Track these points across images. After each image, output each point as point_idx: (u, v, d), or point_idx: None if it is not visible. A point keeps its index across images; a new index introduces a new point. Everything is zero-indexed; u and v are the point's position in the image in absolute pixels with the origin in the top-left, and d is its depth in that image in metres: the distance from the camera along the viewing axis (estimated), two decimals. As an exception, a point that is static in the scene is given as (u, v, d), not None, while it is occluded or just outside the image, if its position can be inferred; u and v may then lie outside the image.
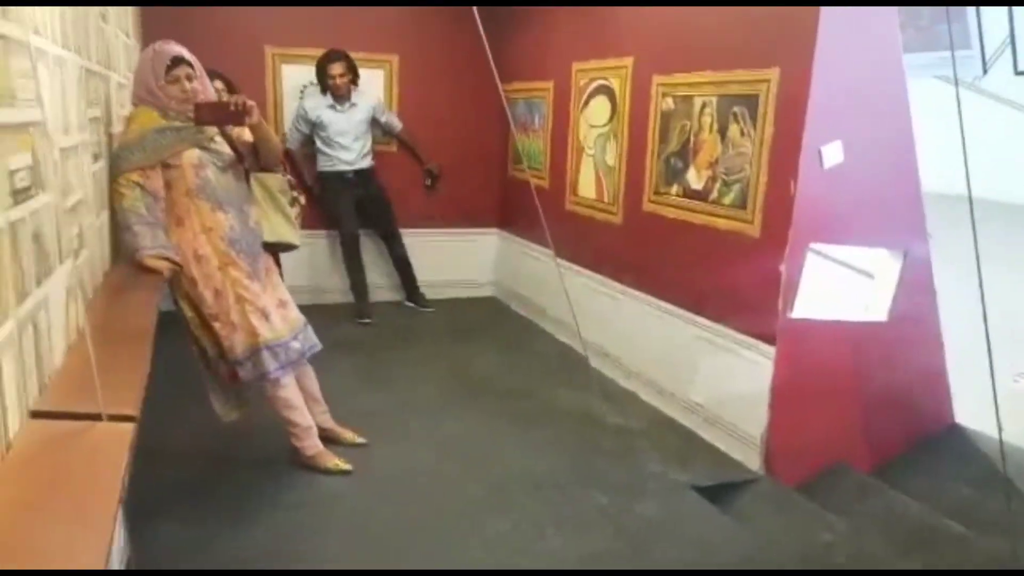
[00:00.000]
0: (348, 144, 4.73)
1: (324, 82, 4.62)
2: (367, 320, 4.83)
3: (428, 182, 5.25)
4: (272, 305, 2.68)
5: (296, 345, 2.73)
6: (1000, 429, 2.10)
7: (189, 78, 2.45)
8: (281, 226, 2.79)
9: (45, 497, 1.04)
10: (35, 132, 1.30)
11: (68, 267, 1.53)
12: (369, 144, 4.85)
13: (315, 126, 4.71)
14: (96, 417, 1.24)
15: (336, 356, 3.91)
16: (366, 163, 4.84)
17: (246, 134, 2.61)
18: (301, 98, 4.80)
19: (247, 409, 2.85)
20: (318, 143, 4.75)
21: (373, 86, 5.00)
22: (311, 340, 2.83)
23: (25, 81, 1.22)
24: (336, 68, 4.56)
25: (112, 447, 1.18)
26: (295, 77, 4.87)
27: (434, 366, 4.14)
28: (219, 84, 4.01)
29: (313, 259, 5.03)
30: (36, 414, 1.23)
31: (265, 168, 2.71)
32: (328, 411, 3.09)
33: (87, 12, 2.20)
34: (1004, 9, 6.05)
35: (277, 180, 2.75)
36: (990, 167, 6.29)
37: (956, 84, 2.42)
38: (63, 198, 1.59)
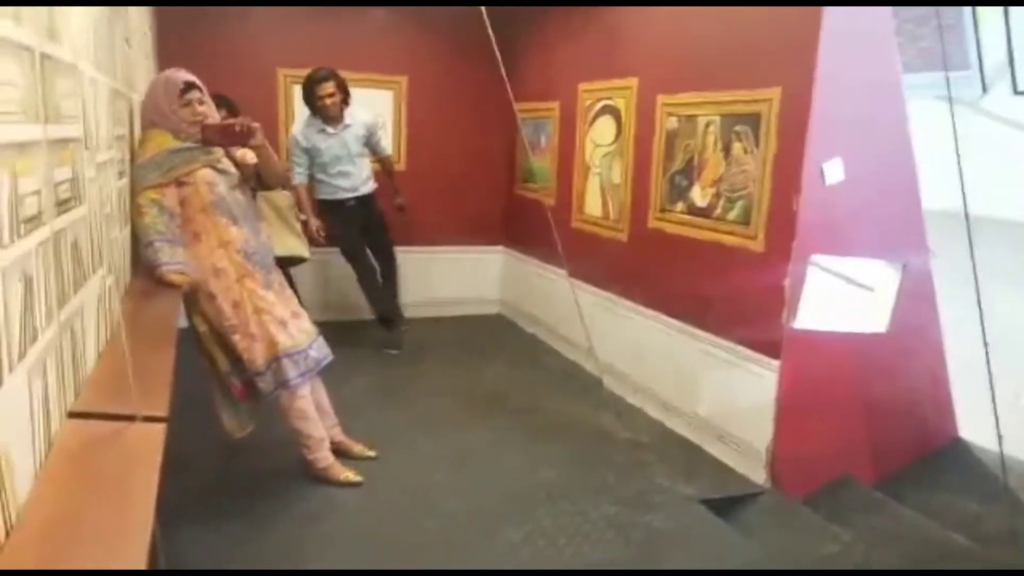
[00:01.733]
0: (347, 169, 4.44)
1: (313, 104, 4.27)
2: (395, 351, 4.61)
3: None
4: (288, 315, 2.76)
5: (313, 353, 2.81)
6: (1000, 442, 2.14)
7: (200, 102, 2.57)
8: (291, 240, 2.93)
9: (87, 494, 1.09)
10: (74, 148, 1.37)
11: (101, 275, 1.59)
12: (368, 167, 4.58)
13: (308, 153, 4.37)
14: (130, 418, 1.30)
15: (346, 371, 3.97)
16: (368, 188, 4.56)
17: (249, 156, 2.72)
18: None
19: (253, 428, 2.90)
20: (314, 171, 4.43)
21: (381, 106, 5.11)
22: (325, 350, 2.90)
23: (67, 100, 1.29)
24: (326, 88, 4.21)
25: (146, 446, 1.24)
26: (306, 98, 4.96)
27: (444, 381, 4.20)
28: (223, 110, 4.14)
29: (323, 276, 5.09)
30: (74, 414, 1.28)
31: (268, 188, 2.80)
32: (339, 424, 3.13)
33: (113, 35, 2.29)
34: (1003, 29, 6.14)
35: (285, 197, 2.88)
36: (992, 186, 6.34)
37: (951, 104, 2.49)
38: (98, 210, 1.66)
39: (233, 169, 2.69)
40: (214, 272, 2.61)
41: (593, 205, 4.38)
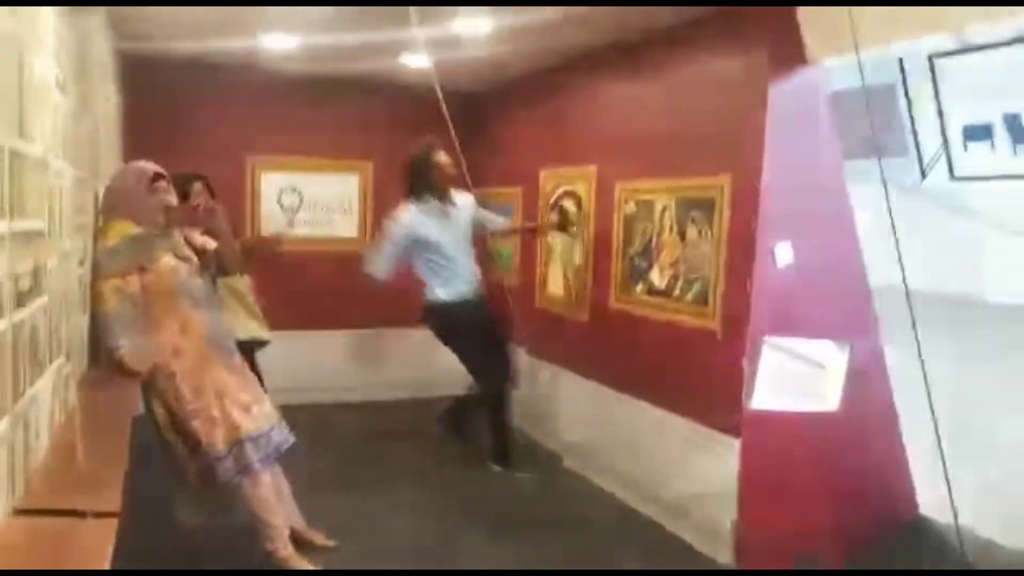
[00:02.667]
0: (465, 261, 3.85)
1: (426, 179, 3.69)
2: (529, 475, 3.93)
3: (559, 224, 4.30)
4: (250, 398, 2.74)
5: (275, 437, 2.78)
6: (955, 515, 2.18)
7: (166, 191, 2.64)
8: (251, 323, 2.98)
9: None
10: (37, 240, 1.39)
11: (58, 364, 1.57)
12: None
13: (419, 245, 3.77)
14: (81, 514, 1.27)
15: (309, 455, 3.89)
16: (480, 285, 3.96)
17: (209, 243, 2.77)
18: (387, 219, 3.97)
19: (209, 516, 2.82)
20: (425, 268, 3.83)
21: (348, 191, 5.20)
22: (286, 433, 2.87)
23: (34, 194, 1.32)
24: (442, 156, 3.68)
25: (96, 544, 1.20)
26: (273, 183, 5.03)
27: (409, 467, 4.13)
28: (199, 186, 4.16)
29: (288, 359, 5.01)
30: (21, 511, 1.25)
31: (226, 273, 2.85)
32: (298, 511, 3.06)
33: (81, 124, 2.33)
34: (936, 120, 6.54)
35: (244, 282, 2.93)
36: (938, 265, 6.62)
37: (885, 188, 2.64)
38: (57, 301, 1.66)
39: (193, 256, 2.72)
40: (176, 356, 2.60)
41: (556, 285, 4.46)
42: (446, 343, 3.95)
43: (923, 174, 7.06)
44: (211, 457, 2.64)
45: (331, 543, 3.06)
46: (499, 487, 3.86)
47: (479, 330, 3.88)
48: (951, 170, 6.79)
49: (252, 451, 2.67)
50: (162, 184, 2.62)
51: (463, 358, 3.94)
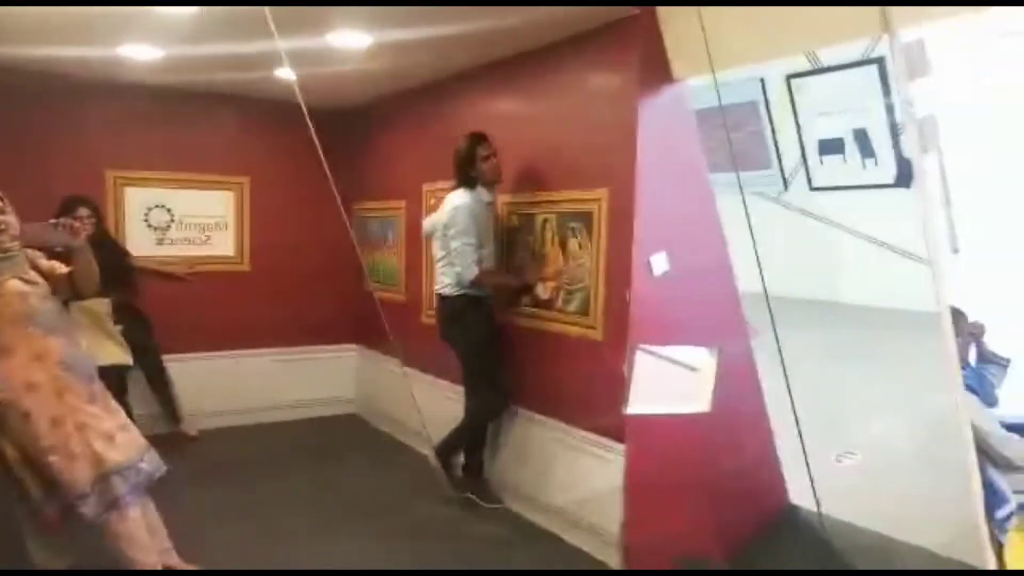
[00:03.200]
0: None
1: (475, 168, 3.60)
2: (498, 505, 3.75)
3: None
4: (115, 427, 2.58)
5: (145, 467, 2.61)
6: (819, 505, 2.33)
7: (2, 211, 2.44)
8: (111, 347, 2.83)
9: None
10: None
11: None
12: None
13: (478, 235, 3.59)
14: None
15: (193, 486, 3.70)
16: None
17: (58, 267, 2.59)
18: (456, 210, 3.60)
19: (71, 559, 2.62)
20: (457, 250, 3.58)
21: (222, 208, 5.00)
22: (157, 461, 2.70)
23: None
24: (488, 147, 3.60)
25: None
26: (139, 199, 4.76)
27: (295, 489, 4.00)
28: (85, 211, 4.00)
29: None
30: None
31: (81, 296, 2.68)
32: (172, 548, 2.88)
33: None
34: (794, 134, 7.05)
35: (102, 304, 2.80)
36: (800, 270, 7.11)
37: (743, 198, 2.80)
38: None
39: (40, 279, 2.53)
40: (28, 387, 2.41)
41: (442, 300, 4.43)
42: (462, 341, 3.72)
43: (785, 185, 7.62)
44: (73, 495, 2.44)
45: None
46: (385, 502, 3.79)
47: (496, 336, 3.73)
48: (809, 181, 7.39)
49: (120, 484, 2.50)
50: None
51: (481, 365, 3.69)
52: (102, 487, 2.48)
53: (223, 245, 5.06)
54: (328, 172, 2.51)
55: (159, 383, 4.63)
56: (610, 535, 3.13)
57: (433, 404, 4.09)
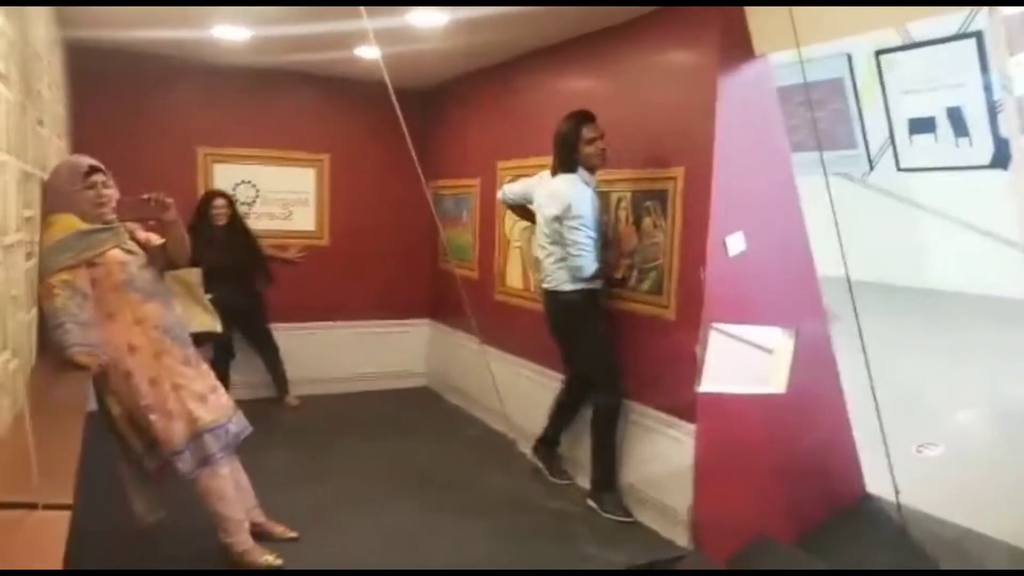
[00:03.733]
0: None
1: (578, 151, 3.36)
2: (569, 481, 3.75)
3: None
4: (207, 389, 2.74)
5: (233, 428, 2.79)
6: (897, 495, 2.28)
7: (105, 185, 2.60)
8: (203, 316, 2.97)
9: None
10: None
11: (3, 360, 1.55)
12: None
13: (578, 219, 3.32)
14: (32, 506, 1.25)
15: (269, 449, 3.89)
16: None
17: (154, 238, 2.75)
18: (575, 199, 3.33)
19: (165, 514, 2.81)
20: (580, 242, 3.32)
21: (305, 184, 5.17)
22: (244, 423, 2.88)
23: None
24: (594, 128, 3.35)
25: (49, 535, 1.20)
26: (227, 175, 4.98)
27: (369, 458, 4.13)
28: (221, 201, 4.61)
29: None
30: (-30, 506, 1.24)
31: (175, 266, 2.83)
32: (259, 505, 3.04)
33: (26, 116, 2.28)
34: (883, 113, 6.76)
35: (194, 274, 2.94)
36: (885, 255, 6.85)
37: (827, 179, 2.72)
38: (5, 293, 1.63)
39: (139, 250, 2.70)
40: (130, 350, 2.58)
41: (514, 278, 4.49)
42: (582, 337, 3.49)
43: (871, 165, 7.33)
44: (169, 451, 2.62)
45: (293, 534, 3.06)
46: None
47: (606, 323, 3.53)
48: (897, 161, 7.08)
49: (211, 442, 2.68)
50: (99, 177, 2.58)
51: (608, 361, 3.46)
52: (195, 444, 2.66)
53: (304, 220, 5.24)
54: (412, 149, 2.56)
55: (271, 359, 5.00)
56: (678, 514, 3.14)
57: (506, 380, 4.16)
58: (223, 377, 4.23)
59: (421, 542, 3.16)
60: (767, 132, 3.29)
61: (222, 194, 4.66)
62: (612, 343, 3.49)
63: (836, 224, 2.24)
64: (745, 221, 3.11)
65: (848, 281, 2.20)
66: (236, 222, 4.67)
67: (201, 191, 4.86)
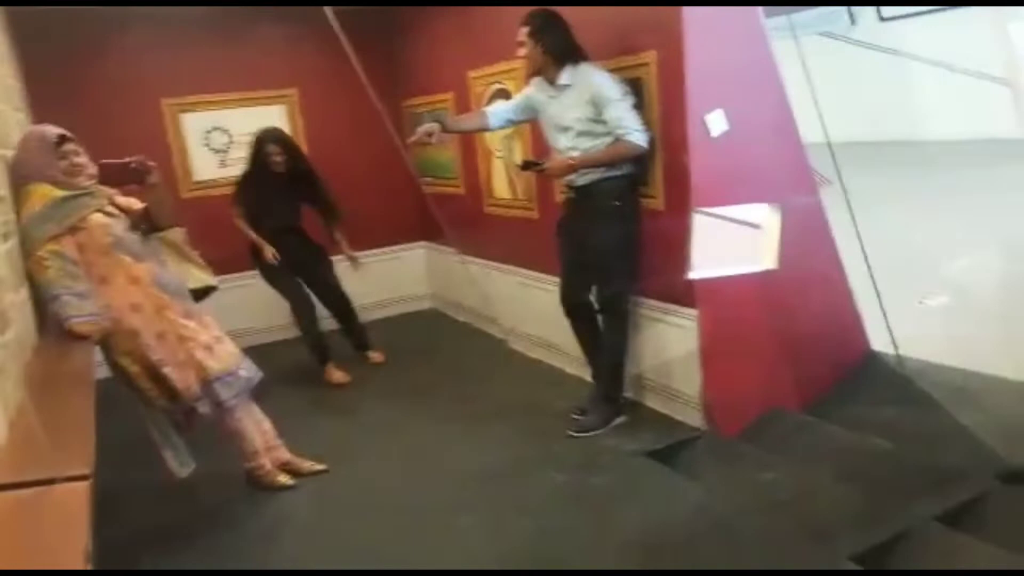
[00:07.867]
0: (559, 146, 3.28)
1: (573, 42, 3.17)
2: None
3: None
4: (212, 340, 2.81)
5: (243, 373, 2.88)
6: (895, 344, 2.31)
7: (76, 153, 2.56)
8: (195, 272, 2.98)
9: (13, 567, 1.09)
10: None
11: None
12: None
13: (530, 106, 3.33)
14: (50, 482, 1.29)
15: (284, 387, 3.99)
16: (584, 179, 3.21)
17: (134, 203, 2.73)
18: (603, 78, 3.09)
19: (194, 466, 2.90)
20: (625, 116, 3.05)
21: (276, 121, 5.04)
22: (254, 369, 2.96)
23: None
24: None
25: (71, 507, 1.24)
26: (197, 124, 4.86)
27: (384, 383, 4.23)
28: (274, 147, 4.05)
29: (247, 301, 4.99)
30: (-13, 487, 1.27)
31: (158, 228, 2.81)
32: (281, 444, 3.15)
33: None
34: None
35: (179, 233, 2.94)
36: (874, 110, 6.71)
37: (797, 42, 2.64)
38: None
39: (121, 214, 2.68)
40: (132, 308, 2.61)
41: (501, 188, 4.44)
42: (618, 223, 3.20)
43: (852, 19, 7.07)
44: (190, 399, 2.71)
45: (322, 467, 3.18)
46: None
47: (564, 236, 3.42)
48: (879, 11, 6.81)
49: (223, 390, 2.78)
50: (69, 147, 2.54)
51: (627, 246, 3.25)
52: (207, 392, 2.75)
53: (283, 159, 5.14)
54: (360, 70, 2.46)
55: (347, 313, 4.57)
56: (689, 398, 3.22)
57: (507, 291, 4.19)
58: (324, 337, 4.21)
59: (438, 456, 3.29)
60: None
61: (275, 136, 4.06)
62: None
63: (812, 87, 2.17)
64: (725, 99, 3.03)
65: (828, 143, 2.15)
66: (298, 166, 4.16)
67: (173, 145, 4.77)
